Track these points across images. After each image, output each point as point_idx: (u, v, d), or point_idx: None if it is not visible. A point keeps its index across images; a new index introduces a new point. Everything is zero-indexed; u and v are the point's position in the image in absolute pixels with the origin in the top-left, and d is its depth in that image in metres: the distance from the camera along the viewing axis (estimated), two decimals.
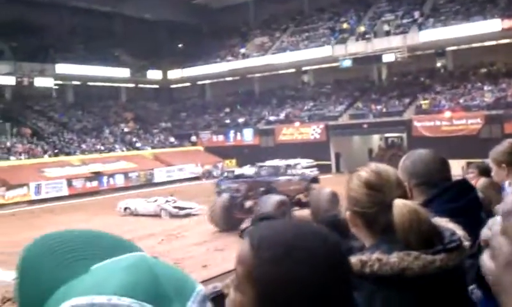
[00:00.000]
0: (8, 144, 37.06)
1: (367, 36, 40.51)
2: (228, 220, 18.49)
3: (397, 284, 1.26)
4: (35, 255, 0.71)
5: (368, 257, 1.29)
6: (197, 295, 0.66)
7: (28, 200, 31.35)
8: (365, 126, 37.67)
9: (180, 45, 56.09)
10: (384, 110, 38.04)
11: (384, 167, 1.51)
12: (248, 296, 0.81)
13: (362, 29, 41.22)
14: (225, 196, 19.81)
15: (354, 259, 1.26)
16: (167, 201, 23.89)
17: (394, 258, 1.27)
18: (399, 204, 1.35)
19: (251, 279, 0.81)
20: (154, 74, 51.55)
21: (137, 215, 23.89)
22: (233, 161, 42.83)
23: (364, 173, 1.47)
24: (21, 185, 31.55)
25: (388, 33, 39.42)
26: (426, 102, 36.70)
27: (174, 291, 0.64)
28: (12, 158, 35.38)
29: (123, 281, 0.62)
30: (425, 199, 1.85)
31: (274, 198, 18.44)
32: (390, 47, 37.91)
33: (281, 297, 0.78)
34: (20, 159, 35.51)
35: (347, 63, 40.00)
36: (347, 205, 1.49)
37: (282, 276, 0.78)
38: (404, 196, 1.43)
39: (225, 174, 25.79)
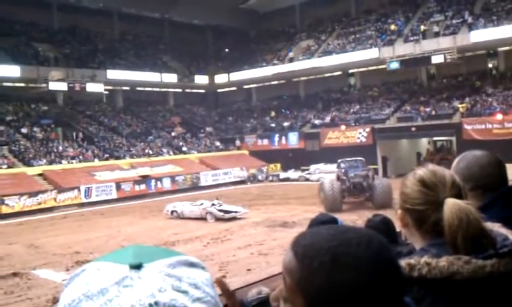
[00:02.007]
0: (60, 148, 38.25)
1: (415, 37, 39.80)
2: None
3: (446, 288, 1.24)
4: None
5: (417, 260, 1.26)
6: (177, 256, 0.74)
7: (78, 203, 32.27)
8: (413, 129, 36.91)
9: (226, 50, 56.60)
10: (433, 112, 37.21)
11: (441, 168, 1.48)
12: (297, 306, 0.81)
13: (410, 30, 40.51)
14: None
15: (402, 262, 1.24)
16: (213, 205, 24.07)
17: (443, 262, 1.25)
18: (450, 202, 1.33)
19: (299, 290, 0.80)
20: (201, 79, 52.24)
21: (183, 218, 24.21)
22: (278, 165, 42.86)
23: (420, 171, 1.45)
24: (72, 189, 32.50)
25: (437, 34, 38.58)
26: (463, 105, 35.76)
27: (146, 254, 0.72)
28: (64, 162, 36.48)
29: (106, 255, 0.74)
30: (481, 204, 1.77)
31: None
32: (439, 48, 37.07)
33: (330, 305, 0.78)
34: (72, 163, 36.59)
35: (395, 65, 39.36)
36: (400, 203, 1.47)
37: (329, 285, 0.78)
38: (459, 196, 1.39)
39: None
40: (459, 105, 36.07)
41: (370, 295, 0.79)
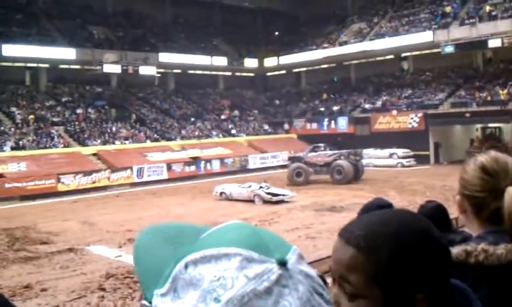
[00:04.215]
0: (114, 129, 39.29)
1: (471, 20, 38.45)
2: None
3: (503, 276, 1.22)
4: (146, 237, 0.86)
5: (474, 247, 1.25)
6: (295, 250, 0.76)
7: (131, 182, 33.13)
8: (467, 115, 35.82)
9: (276, 33, 56.35)
10: (488, 98, 35.99)
11: (504, 155, 1.45)
12: (374, 298, 0.81)
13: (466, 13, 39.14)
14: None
15: (459, 249, 1.24)
16: (260, 187, 24.24)
17: (501, 249, 1.23)
18: (511, 190, 1.30)
19: (375, 282, 0.80)
20: (251, 62, 52.32)
21: (231, 199, 24.50)
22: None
23: (482, 157, 1.43)
24: (125, 168, 33.39)
25: (494, 17, 37.11)
26: (504, 92, 34.38)
27: (273, 245, 0.74)
28: (117, 142, 37.49)
29: (229, 236, 0.75)
30: None
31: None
32: (497, 31, 35.64)
33: (405, 289, 0.80)
34: (124, 144, 37.55)
35: (450, 49, 38.17)
36: (459, 189, 1.45)
37: (404, 270, 0.80)
38: None
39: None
40: (501, 91, 34.73)
41: (428, 274, 0.81)
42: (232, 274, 0.69)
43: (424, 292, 0.80)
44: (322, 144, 33.23)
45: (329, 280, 0.90)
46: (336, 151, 31.62)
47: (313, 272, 0.76)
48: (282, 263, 0.71)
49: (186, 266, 0.73)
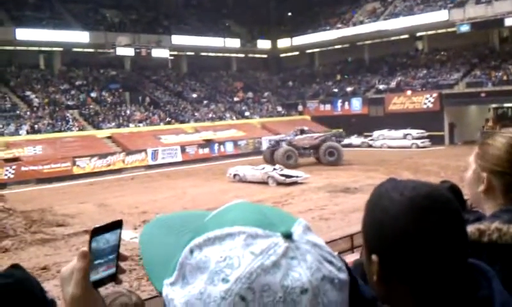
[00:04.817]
0: (128, 112, 39.47)
1: None
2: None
3: None
4: (150, 230, 0.87)
5: (487, 226, 1.24)
6: (300, 222, 0.76)
7: (145, 165, 33.34)
8: (483, 95, 35.39)
9: (289, 14, 55.91)
10: (504, 78, 35.49)
11: None
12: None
13: None
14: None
15: (472, 227, 1.23)
16: (274, 169, 24.28)
17: None
18: None
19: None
20: (264, 44, 52.09)
21: (245, 181, 24.58)
22: (341, 130, 42.35)
23: (510, 133, 1.40)
24: (139, 151, 33.60)
25: None
26: None
27: (278, 220, 0.75)
28: (131, 125, 37.68)
29: (231, 216, 0.75)
30: None
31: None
32: None
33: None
34: (139, 126, 37.73)
35: (465, 28, 37.66)
36: (485, 165, 1.40)
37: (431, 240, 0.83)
38: None
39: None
40: None
41: (446, 251, 0.84)
42: (238, 253, 0.69)
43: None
44: (306, 127, 33.72)
45: (348, 258, 0.92)
46: (321, 134, 32.29)
47: (321, 241, 0.76)
48: (288, 236, 0.71)
49: (191, 251, 0.72)
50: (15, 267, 1.21)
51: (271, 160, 29.31)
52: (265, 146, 38.96)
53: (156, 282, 0.77)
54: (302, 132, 31.79)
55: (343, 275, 0.75)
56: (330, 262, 0.74)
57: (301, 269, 0.69)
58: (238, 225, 0.72)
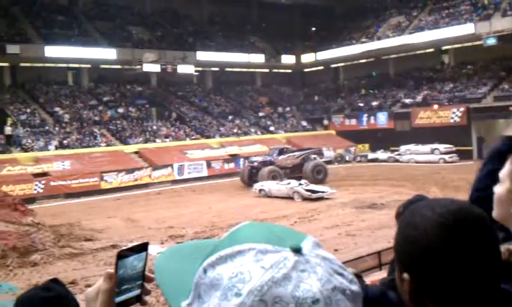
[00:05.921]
0: (154, 127, 39.91)
1: None
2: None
3: None
4: (164, 259, 0.89)
5: None
6: (310, 238, 0.78)
7: (171, 180, 33.59)
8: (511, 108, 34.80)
9: (313, 29, 56.03)
10: None
11: None
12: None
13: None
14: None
15: (502, 248, 1.15)
16: (300, 184, 24.23)
17: None
18: None
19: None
20: (288, 59, 52.25)
21: (270, 196, 24.57)
22: (366, 145, 42.11)
23: None
24: (166, 166, 33.89)
25: None
26: None
27: (287, 236, 0.77)
28: (158, 140, 38.06)
29: (241, 235, 0.78)
30: None
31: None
32: None
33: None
34: (165, 142, 38.09)
35: (492, 41, 37.16)
36: None
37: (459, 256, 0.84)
38: None
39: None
40: None
41: (479, 270, 0.84)
42: (249, 268, 0.71)
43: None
44: (287, 146, 33.85)
45: (368, 279, 0.92)
46: (302, 152, 31.94)
47: (331, 255, 0.78)
48: (297, 250, 0.74)
49: (205, 270, 0.75)
50: (55, 281, 1.26)
51: (248, 181, 29.05)
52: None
53: (174, 305, 0.80)
54: (281, 151, 31.73)
55: (355, 287, 0.76)
56: (341, 274, 0.75)
57: (311, 281, 0.71)
58: (248, 242, 0.75)
